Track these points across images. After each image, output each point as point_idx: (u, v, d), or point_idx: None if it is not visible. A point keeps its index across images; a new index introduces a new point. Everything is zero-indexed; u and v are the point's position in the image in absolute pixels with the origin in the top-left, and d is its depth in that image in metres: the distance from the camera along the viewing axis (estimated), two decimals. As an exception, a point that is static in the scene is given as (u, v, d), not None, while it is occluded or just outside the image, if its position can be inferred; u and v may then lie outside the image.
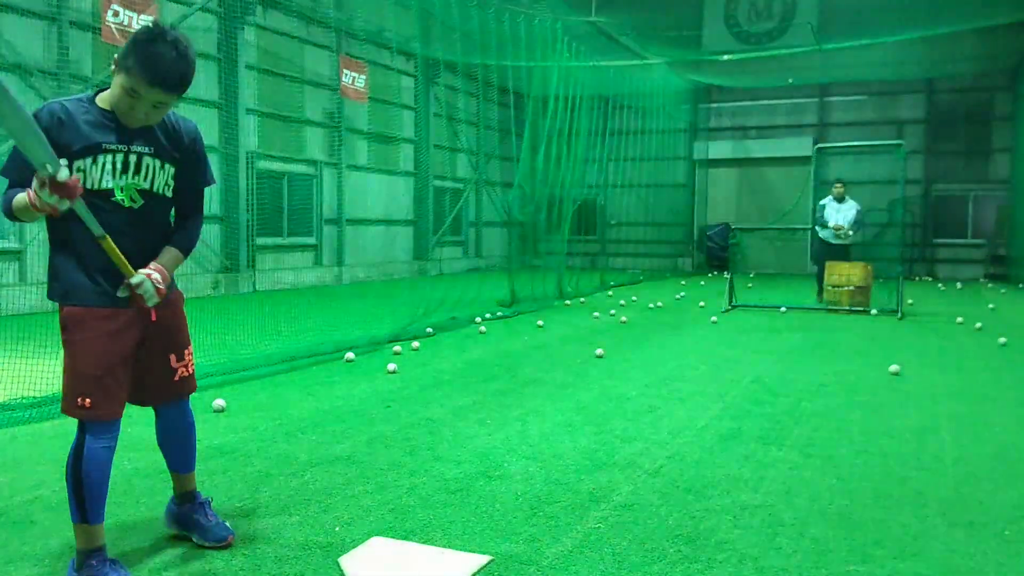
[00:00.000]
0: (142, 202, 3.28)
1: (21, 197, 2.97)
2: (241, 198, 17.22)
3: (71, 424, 5.74)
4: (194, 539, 3.67)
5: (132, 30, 13.43)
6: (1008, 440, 5.64)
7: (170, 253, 3.37)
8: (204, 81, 16.67)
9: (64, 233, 3.22)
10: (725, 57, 23.16)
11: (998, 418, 6.31)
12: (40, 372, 7.08)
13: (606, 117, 21.83)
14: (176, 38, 3.11)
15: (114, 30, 13.19)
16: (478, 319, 12.27)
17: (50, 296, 3.26)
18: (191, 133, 3.42)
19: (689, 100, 28.19)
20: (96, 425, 3.22)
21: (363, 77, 20.29)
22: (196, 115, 16.44)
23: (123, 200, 3.22)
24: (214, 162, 17.02)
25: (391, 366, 8.14)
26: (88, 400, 3.17)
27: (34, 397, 6.39)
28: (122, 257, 3.13)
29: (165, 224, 3.45)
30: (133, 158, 3.23)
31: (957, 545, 3.76)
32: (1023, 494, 4.48)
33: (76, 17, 13.82)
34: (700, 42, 23.22)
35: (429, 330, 10.85)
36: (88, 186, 3.12)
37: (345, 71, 19.70)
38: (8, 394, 6.48)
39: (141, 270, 3.19)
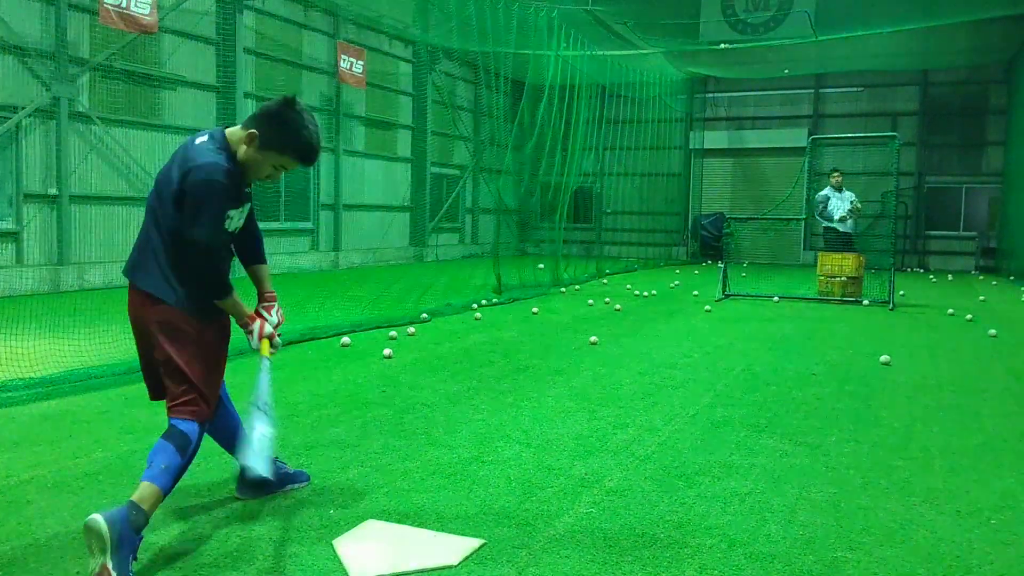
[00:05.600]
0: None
1: (240, 306, 3.71)
2: (238, 182, 17.19)
3: (70, 404, 5.80)
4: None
5: (130, 13, 13.35)
6: (995, 431, 5.70)
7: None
8: (202, 65, 16.64)
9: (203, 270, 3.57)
10: (722, 46, 23.14)
11: (986, 409, 6.38)
12: (37, 353, 7.10)
13: (602, 106, 21.82)
14: (312, 116, 3.60)
15: (112, 12, 13.12)
16: (474, 305, 12.31)
17: (175, 303, 3.52)
18: None
19: (685, 90, 28.19)
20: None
21: (361, 63, 20.27)
22: (194, 99, 16.43)
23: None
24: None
25: (386, 351, 8.19)
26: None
27: (31, 378, 6.41)
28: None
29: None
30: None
31: (944, 533, 3.81)
32: (1009, 484, 4.55)
33: (74, -2, 13.79)
34: (697, 32, 23.18)
35: (425, 316, 10.89)
36: (230, 230, 3.63)
37: (343, 56, 19.68)
38: (5, 375, 6.50)
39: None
